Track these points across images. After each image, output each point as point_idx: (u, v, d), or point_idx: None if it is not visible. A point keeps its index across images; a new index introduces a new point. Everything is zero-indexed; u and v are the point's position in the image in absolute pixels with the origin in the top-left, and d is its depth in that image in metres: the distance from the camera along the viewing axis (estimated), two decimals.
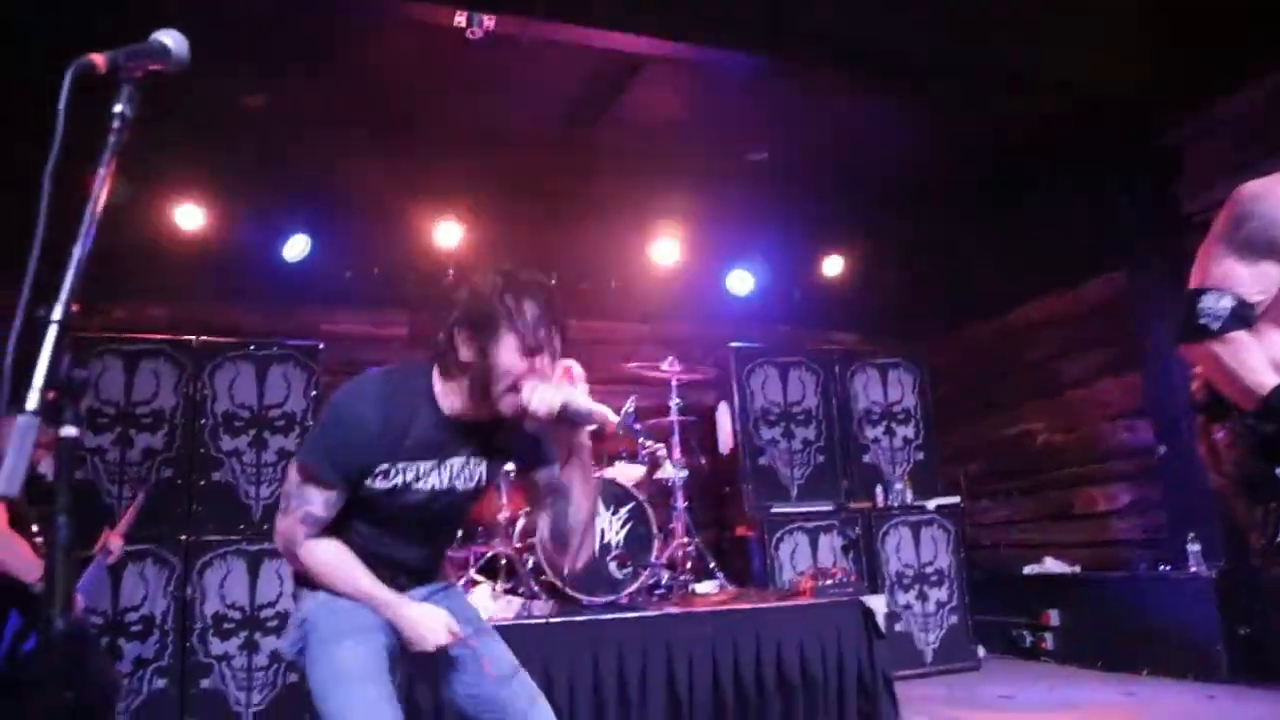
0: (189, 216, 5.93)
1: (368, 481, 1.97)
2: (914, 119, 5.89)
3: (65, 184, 1.18)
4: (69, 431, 1.12)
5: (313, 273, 6.40)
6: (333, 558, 2.03)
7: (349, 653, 1.98)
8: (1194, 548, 5.47)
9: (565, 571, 2.12)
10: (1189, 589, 5.43)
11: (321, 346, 5.60)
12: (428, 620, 2.04)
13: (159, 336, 5.37)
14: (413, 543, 2.15)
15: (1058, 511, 7.13)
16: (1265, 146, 4.99)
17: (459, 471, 2.06)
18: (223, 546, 5.06)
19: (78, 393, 1.11)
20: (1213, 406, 2.04)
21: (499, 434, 2.08)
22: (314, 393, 5.45)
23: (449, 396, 2.00)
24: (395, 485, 1.99)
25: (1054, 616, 6.36)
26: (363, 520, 2.06)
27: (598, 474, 1.92)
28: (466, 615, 2.20)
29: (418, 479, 2.01)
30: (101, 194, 1.20)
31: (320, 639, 2.01)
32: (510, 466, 2.34)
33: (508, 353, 1.88)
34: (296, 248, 6.24)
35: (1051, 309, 7.19)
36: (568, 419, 1.91)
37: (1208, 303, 1.93)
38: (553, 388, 1.91)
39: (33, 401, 1.07)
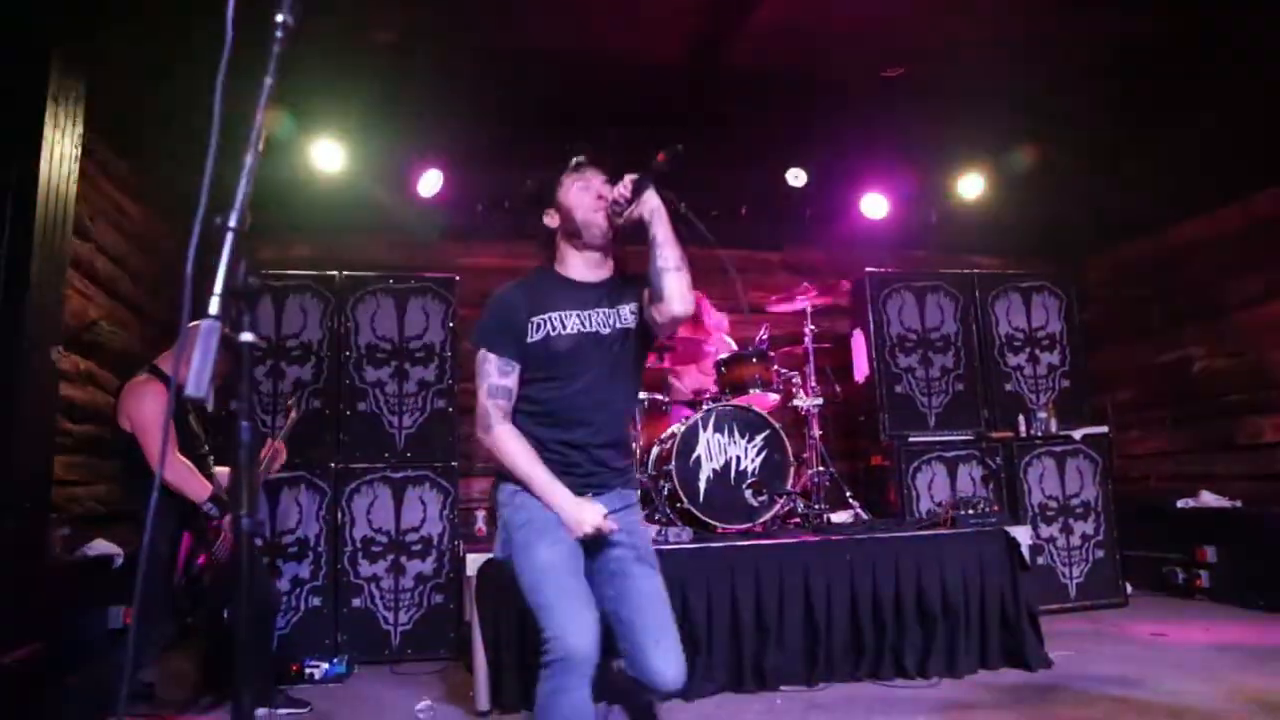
0: (328, 155, 6.08)
1: (526, 340, 2.47)
2: (1060, 19, 5.45)
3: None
4: (246, 337, 1.14)
5: (447, 207, 6.51)
6: (513, 443, 2.44)
7: (548, 550, 2.35)
8: None
9: (670, 314, 2.47)
10: None
11: (458, 279, 5.70)
12: (583, 508, 2.38)
13: (305, 272, 5.58)
14: (581, 412, 2.50)
15: (1217, 442, 6.71)
16: None
17: (594, 317, 2.52)
18: (369, 474, 5.28)
19: (254, 298, 1.13)
20: None
21: (614, 286, 2.60)
22: (451, 325, 5.57)
23: (565, 265, 2.60)
24: (546, 334, 2.47)
25: (1211, 553, 6.04)
26: (537, 394, 2.49)
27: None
28: (633, 535, 2.51)
29: (563, 324, 2.48)
30: (267, 103, 1.20)
31: (521, 544, 2.40)
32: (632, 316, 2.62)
33: (569, 193, 2.56)
34: (430, 183, 6.34)
35: (1217, 223, 6.66)
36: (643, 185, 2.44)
37: None
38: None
39: (214, 306, 1.08)
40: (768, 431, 4.72)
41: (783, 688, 4.08)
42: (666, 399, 5.31)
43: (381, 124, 6.06)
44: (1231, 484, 6.39)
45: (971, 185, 7.12)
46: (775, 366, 5.15)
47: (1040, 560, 5.81)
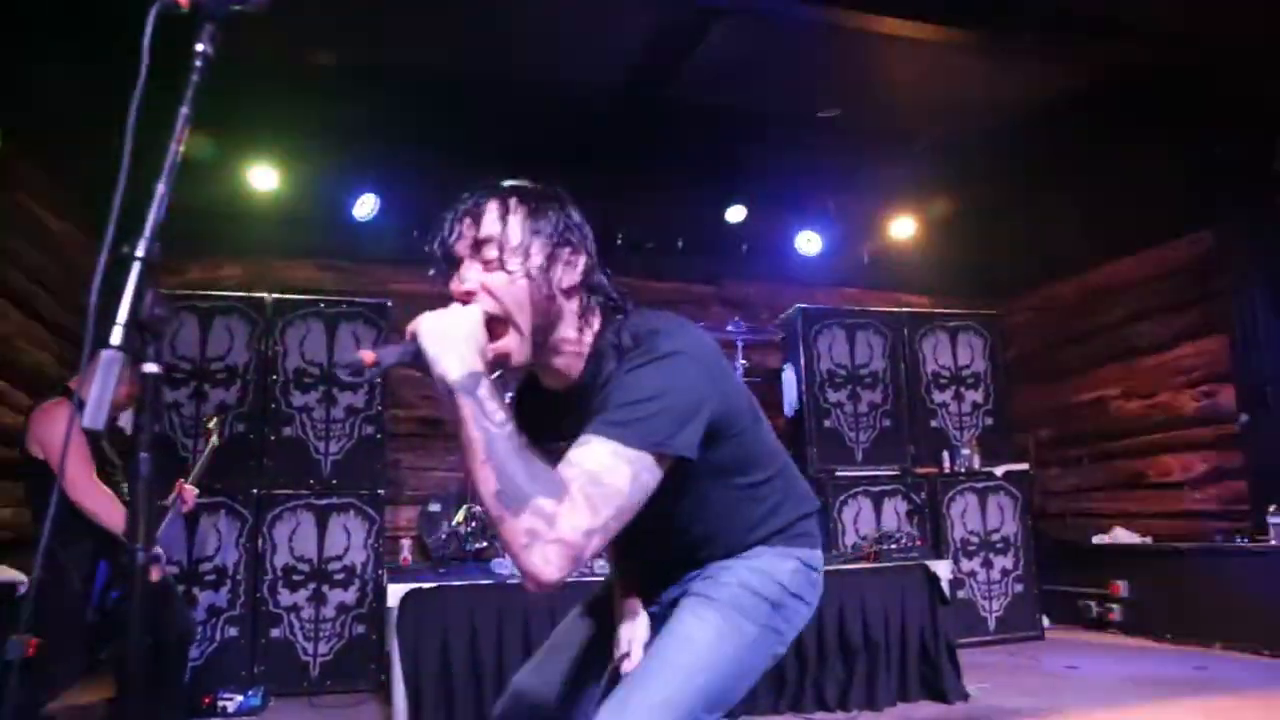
0: (262, 176, 6.01)
1: None
2: (989, 70, 5.66)
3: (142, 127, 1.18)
4: (150, 368, 1.12)
5: (382, 232, 6.45)
6: None
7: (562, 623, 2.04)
8: (1276, 519, 5.30)
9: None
10: (1269, 561, 5.26)
11: (390, 304, 5.64)
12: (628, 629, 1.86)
13: (233, 294, 5.48)
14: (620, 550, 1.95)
15: (1130, 480, 6.95)
16: None
17: None
18: (292, 500, 5.16)
19: (160, 329, 1.12)
20: None
21: (592, 388, 1.58)
22: None
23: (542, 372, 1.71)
24: None
25: (1123, 588, 6.24)
26: None
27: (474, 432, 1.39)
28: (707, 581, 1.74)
29: None
30: (184, 133, 1.20)
31: None
32: None
33: None
34: (365, 207, 6.29)
35: (1131, 270, 6.94)
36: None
37: None
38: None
39: (117, 337, 1.07)
40: None
41: None
42: None
43: (316, 147, 6.02)
44: (1143, 521, 6.61)
45: (903, 225, 7.32)
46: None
47: (961, 594, 5.92)
